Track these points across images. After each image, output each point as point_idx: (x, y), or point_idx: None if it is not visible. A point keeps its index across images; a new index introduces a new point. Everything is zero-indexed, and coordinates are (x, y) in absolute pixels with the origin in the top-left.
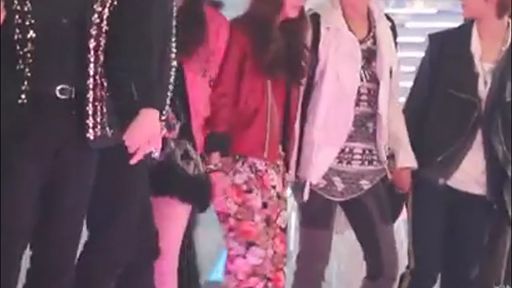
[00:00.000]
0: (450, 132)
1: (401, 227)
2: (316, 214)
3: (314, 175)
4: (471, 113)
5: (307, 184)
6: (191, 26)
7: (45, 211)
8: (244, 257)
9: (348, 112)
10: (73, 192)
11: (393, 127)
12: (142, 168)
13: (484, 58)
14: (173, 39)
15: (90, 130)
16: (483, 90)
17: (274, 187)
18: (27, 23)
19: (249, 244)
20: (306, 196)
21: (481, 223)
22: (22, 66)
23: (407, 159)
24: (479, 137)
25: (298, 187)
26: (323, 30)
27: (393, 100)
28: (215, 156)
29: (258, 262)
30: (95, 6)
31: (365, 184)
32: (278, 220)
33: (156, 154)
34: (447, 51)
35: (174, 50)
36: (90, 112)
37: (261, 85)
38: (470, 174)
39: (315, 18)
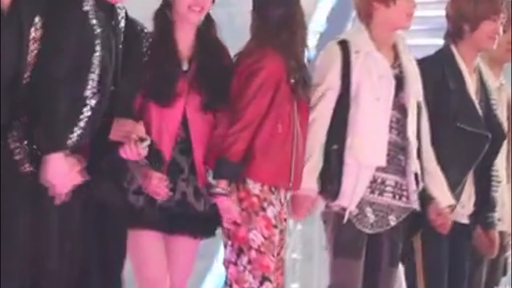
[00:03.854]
0: (461, 168)
1: None
2: (349, 244)
3: (354, 201)
4: (483, 146)
5: (348, 210)
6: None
7: None
8: None
9: (385, 133)
10: None
11: (429, 166)
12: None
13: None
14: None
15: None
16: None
17: (286, 219)
18: None
19: (264, 279)
20: (346, 220)
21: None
22: None
23: (446, 198)
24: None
25: (329, 216)
26: (352, 55)
27: (424, 135)
28: (223, 183)
29: None
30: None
31: (392, 220)
32: (281, 252)
33: None
34: (442, 82)
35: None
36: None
37: (288, 111)
38: (465, 207)
39: (344, 44)
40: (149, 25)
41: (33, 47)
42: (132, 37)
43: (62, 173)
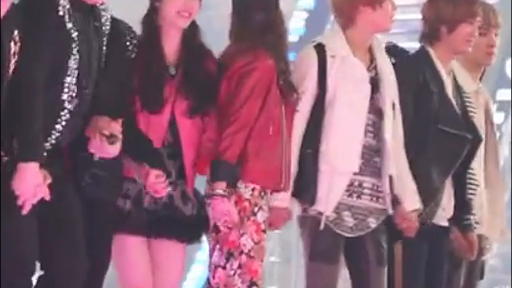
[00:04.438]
0: (443, 169)
1: None
2: (325, 249)
3: (329, 206)
4: (463, 149)
5: (324, 216)
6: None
7: None
8: None
9: (360, 139)
10: None
11: (398, 169)
12: None
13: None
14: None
15: None
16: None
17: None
18: None
19: (252, 284)
20: (322, 226)
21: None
22: None
23: (412, 202)
24: None
25: (305, 221)
26: (329, 59)
27: (397, 138)
28: (222, 185)
29: None
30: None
31: (372, 222)
32: None
33: None
34: (423, 84)
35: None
36: None
37: (278, 112)
38: (445, 210)
39: (320, 48)
40: (136, 29)
41: (13, 61)
42: (116, 37)
43: (34, 183)
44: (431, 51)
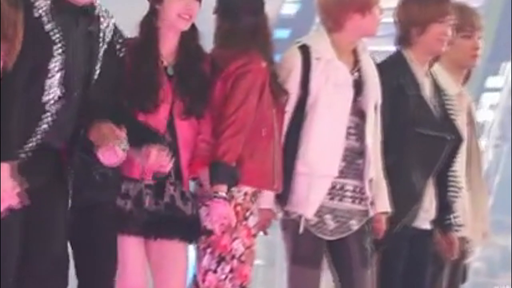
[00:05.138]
0: (422, 175)
1: None
2: (306, 253)
3: (310, 209)
4: (442, 149)
5: (303, 219)
6: (199, 90)
7: None
8: None
9: (341, 143)
10: None
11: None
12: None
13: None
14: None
15: None
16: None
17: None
18: None
19: None
20: (301, 230)
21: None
22: None
23: (383, 204)
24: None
25: (288, 224)
26: (313, 61)
27: (376, 141)
28: (223, 188)
29: None
30: None
31: (353, 224)
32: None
33: None
34: (398, 88)
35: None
36: None
37: (270, 114)
38: (428, 211)
39: (305, 49)
40: (133, 31)
41: None
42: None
43: (6, 187)
44: (406, 54)
